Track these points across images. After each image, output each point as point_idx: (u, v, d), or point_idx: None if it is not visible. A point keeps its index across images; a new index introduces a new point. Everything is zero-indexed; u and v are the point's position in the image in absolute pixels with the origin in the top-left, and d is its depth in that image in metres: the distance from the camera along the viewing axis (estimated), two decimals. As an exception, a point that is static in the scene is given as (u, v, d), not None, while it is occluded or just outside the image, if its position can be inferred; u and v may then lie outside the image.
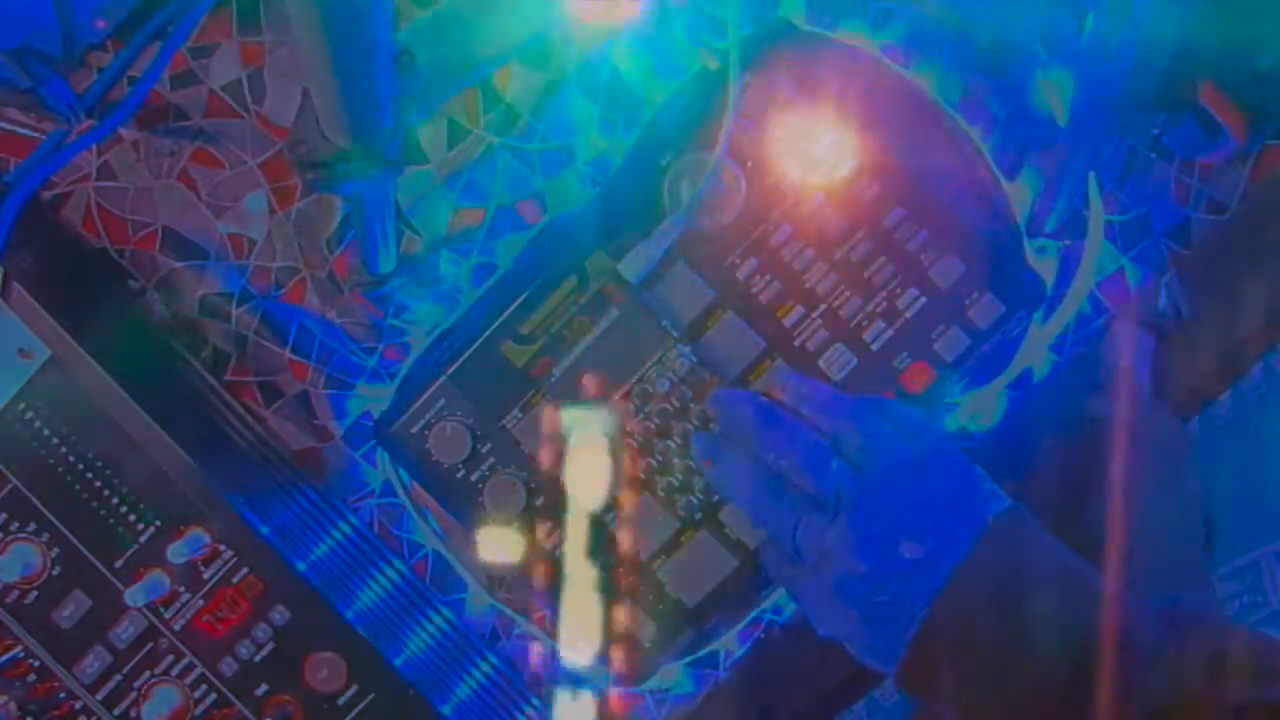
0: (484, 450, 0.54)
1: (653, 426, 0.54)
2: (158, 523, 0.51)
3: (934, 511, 0.46)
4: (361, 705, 0.52)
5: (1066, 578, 0.44)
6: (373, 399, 0.59)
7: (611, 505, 0.54)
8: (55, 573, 0.52)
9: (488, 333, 0.53)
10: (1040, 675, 0.42)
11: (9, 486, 0.51)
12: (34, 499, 0.51)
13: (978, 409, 0.58)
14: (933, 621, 0.44)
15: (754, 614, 0.59)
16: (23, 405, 0.50)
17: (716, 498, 0.54)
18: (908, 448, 0.47)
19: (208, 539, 0.51)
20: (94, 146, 0.57)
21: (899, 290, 0.54)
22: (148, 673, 0.52)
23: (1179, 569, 0.53)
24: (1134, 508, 0.51)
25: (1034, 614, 0.43)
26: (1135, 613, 0.42)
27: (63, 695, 0.52)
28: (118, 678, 0.52)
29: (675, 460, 0.54)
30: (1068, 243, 0.57)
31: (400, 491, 0.59)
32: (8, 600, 0.52)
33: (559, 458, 0.53)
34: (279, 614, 0.52)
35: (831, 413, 0.50)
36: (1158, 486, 0.53)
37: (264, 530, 0.51)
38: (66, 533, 0.51)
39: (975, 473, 0.47)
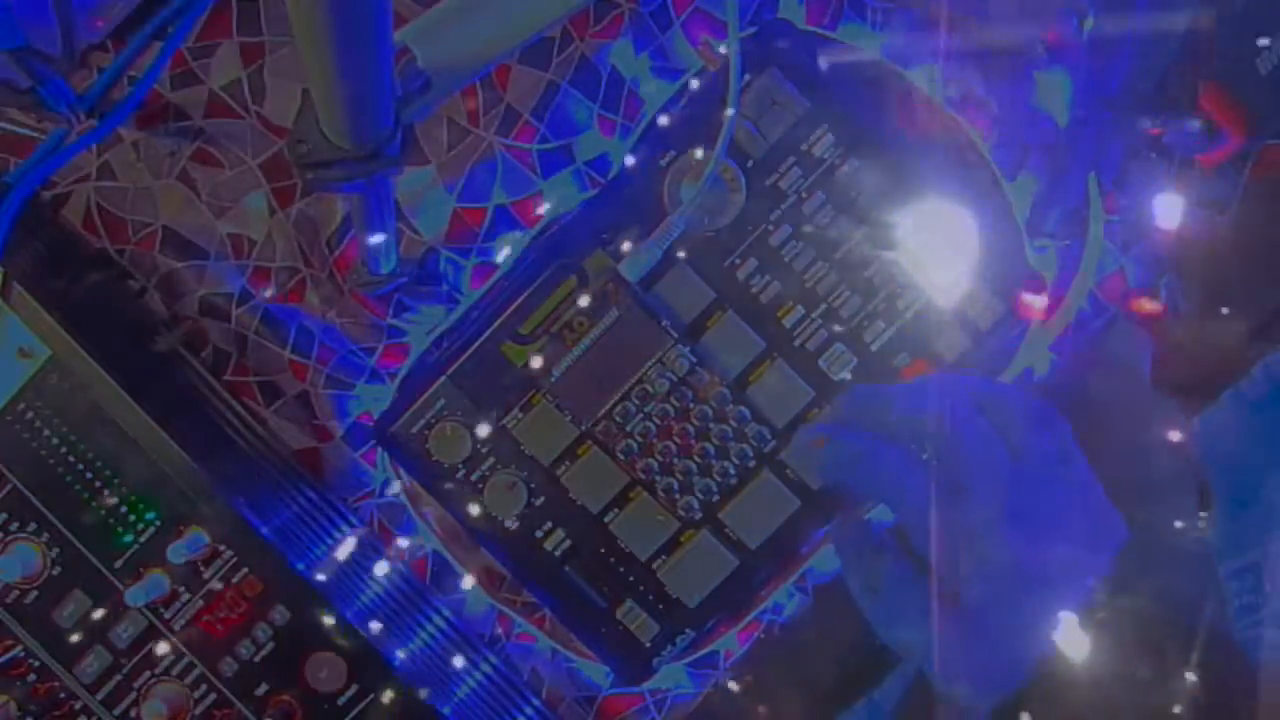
0: (484, 450, 0.54)
1: (653, 427, 0.54)
2: (158, 523, 0.51)
3: (1075, 523, 0.39)
4: (361, 705, 0.52)
5: (1201, 624, 0.38)
6: (373, 399, 0.59)
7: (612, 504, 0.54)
8: (55, 573, 0.52)
9: (488, 333, 0.54)
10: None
11: (9, 486, 0.51)
12: (34, 499, 0.51)
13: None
14: (1059, 664, 0.36)
15: (754, 614, 0.59)
16: (23, 405, 0.51)
17: (717, 497, 0.54)
18: (1048, 436, 0.40)
19: (208, 539, 0.51)
20: (94, 146, 0.57)
21: (899, 290, 0.54)
22: (148, 673, 0.52)
23: (1179, 546, 0.52)
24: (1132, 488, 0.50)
25: (1174, 649, 0.36)
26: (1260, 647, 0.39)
27: (63, 695, 0.52)
28: (118, 678, 0.52)
29: (675, 460, 0.54)
30: (1068, 243, 0.57)
31: (400, 491, 0.59)
32: (8, 600, 0.52)
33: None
34: (279, 614, 0.52)
35: (968, 382, 0.41)
36: (1154, 466, 0.52)
37: (264, 530, 0.51)
38: (66, 533, 0.51)
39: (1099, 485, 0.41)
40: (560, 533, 0.55)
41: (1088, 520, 0.39)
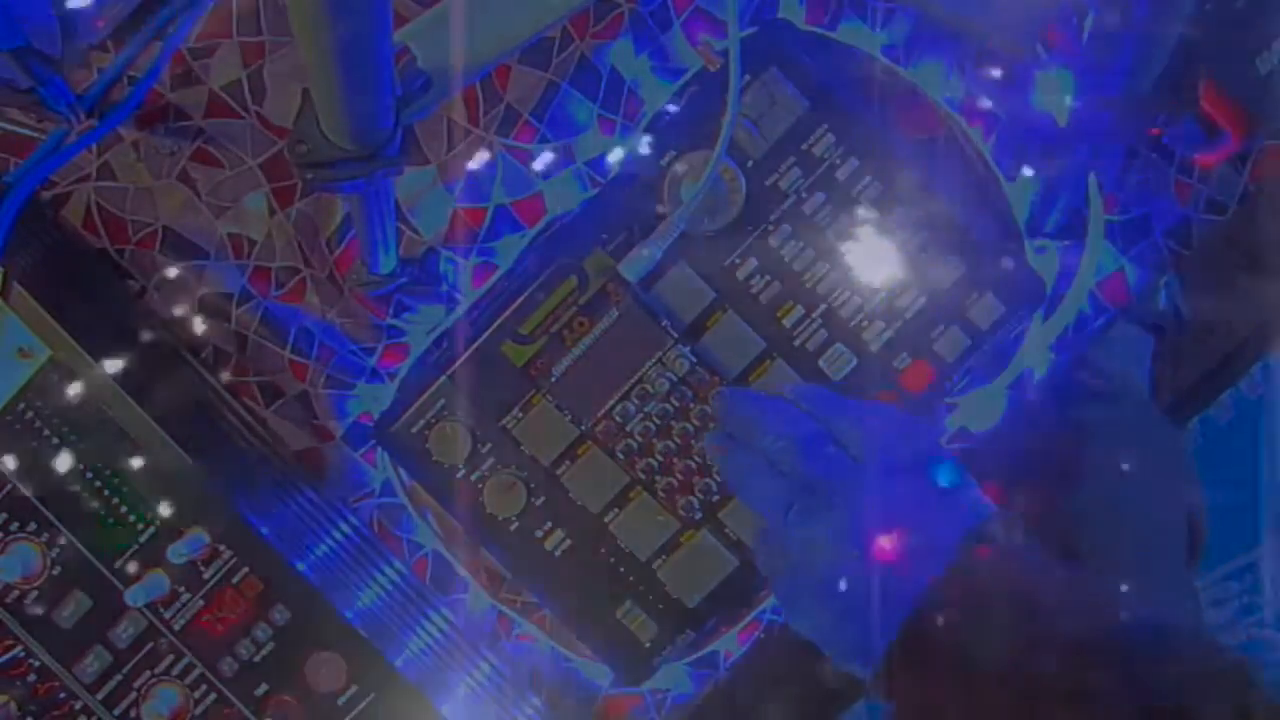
0: (484, 450, 0.54)
1: (653, 427, 0.54)
2: (158, 523, 0.51)
3: (923, 512, 0.45)
4: (361, 705, 0.52)
5: (1053, 588, 0.43)
6: (373, 399, 0.59)
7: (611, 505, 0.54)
8: (55, 573, 0.52)
9: (488, 333, 0.54)
10: (1022, 687, 0.40)
11: (9, 486, 0.51)
12: (34, 499, 0.51)
13: (977, 409, 0.58)
14: (916, 625, 0.43)
15: (754, 614, 0.59)
16: (23, 405, 0.51)
17: (717, 497, 0.54)
18: (903, 447, 0.48)
19: (207, 539, 0.51)
20: (94, 146, 0.57)
21: (899, 290, 0.54)
22: (148, 673, 0.52)
23: (1160, 574, 0.53)
24: (1119, 511, 0.51)
25: (1016, 624, 0.41)
26: (1124, 625, 0.42)
27: (63, 695, 0.52)
28: (118, 678, 0.52)
29: (675, 460, 0.54)
30: (1068, 243, 0.57)
31: (400, 491, 0.59)
32: (8, 600, 0.52)
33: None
34: (279, 614, 0.52)
35: (831, 407, 0.50)
36: (1145, 491, 0.53)
37: (264, 530, 0.51)
38: (66, 533, 0.51)
39: (966, 479, 0.47)
40: (560, 533, 0.55)
41: (934, 517, 0.45)
